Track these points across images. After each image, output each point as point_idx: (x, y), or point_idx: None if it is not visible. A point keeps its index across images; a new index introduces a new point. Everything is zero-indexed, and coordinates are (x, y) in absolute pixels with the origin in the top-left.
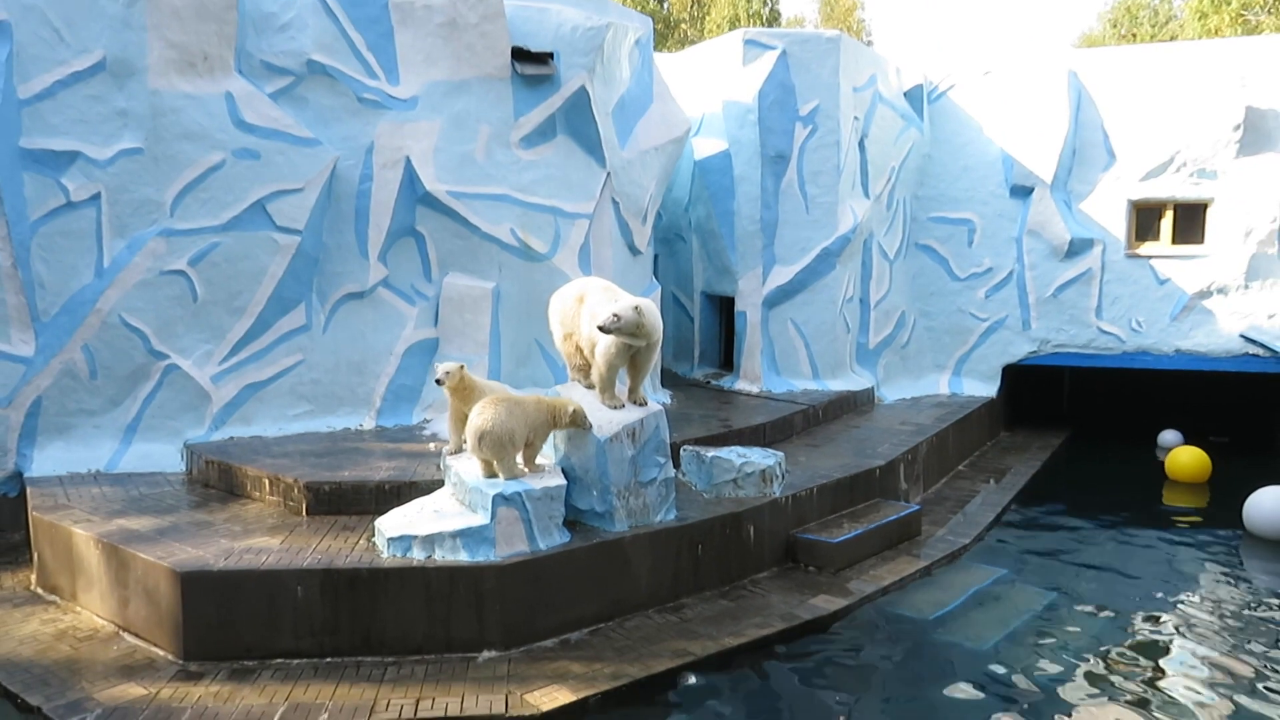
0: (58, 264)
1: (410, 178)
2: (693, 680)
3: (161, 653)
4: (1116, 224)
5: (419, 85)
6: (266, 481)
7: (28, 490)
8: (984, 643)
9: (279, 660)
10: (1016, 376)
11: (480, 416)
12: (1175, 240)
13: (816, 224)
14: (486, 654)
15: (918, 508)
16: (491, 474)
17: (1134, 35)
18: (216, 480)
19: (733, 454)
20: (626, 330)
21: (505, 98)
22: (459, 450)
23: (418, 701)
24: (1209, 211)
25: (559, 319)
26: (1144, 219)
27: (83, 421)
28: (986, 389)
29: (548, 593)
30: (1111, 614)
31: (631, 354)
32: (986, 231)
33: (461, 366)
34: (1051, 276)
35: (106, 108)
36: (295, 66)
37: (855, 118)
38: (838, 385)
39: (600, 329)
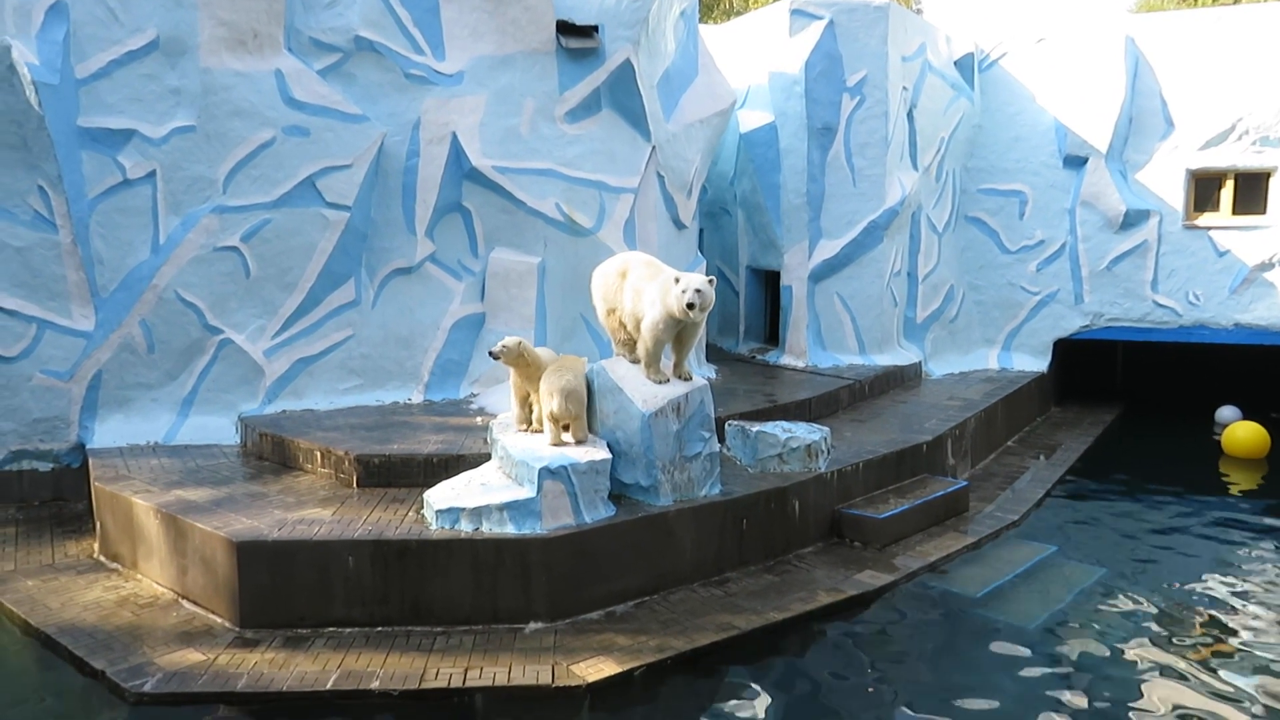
0: (115, 240)
1: (456, 153)
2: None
3: (219, 620)
4: (1174, 194)
5: (464, 60)
6: (318, 454)
7: (89, 461)
8: (1032, 621)
9: (331, 629)
10: (1068, 351)
11: (563, 377)
12: (1236, 211)
13: (863, 197)
14: (533, 625)
15: (965, 484)
16: (559, 442)
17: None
18: (270, 453)
19: (778, 429)
20: (709, 305)
21: (550, 72)
22: (526, 425)
23: (466, 671)
24: (1271, 181)
25: (601, 294)
26: (1203, 189)
27: (141, 395)
28: (1037, 364)
29: (593, 565)
30: (1164, 593)
31: (678, 329)
32: (1038, 203)
33: (520, 341)
34: (1106, 249)
35: (160, 86)
36: (343, 43)
37: (904, 88)
38: (884, 360)
39: (689, 307)
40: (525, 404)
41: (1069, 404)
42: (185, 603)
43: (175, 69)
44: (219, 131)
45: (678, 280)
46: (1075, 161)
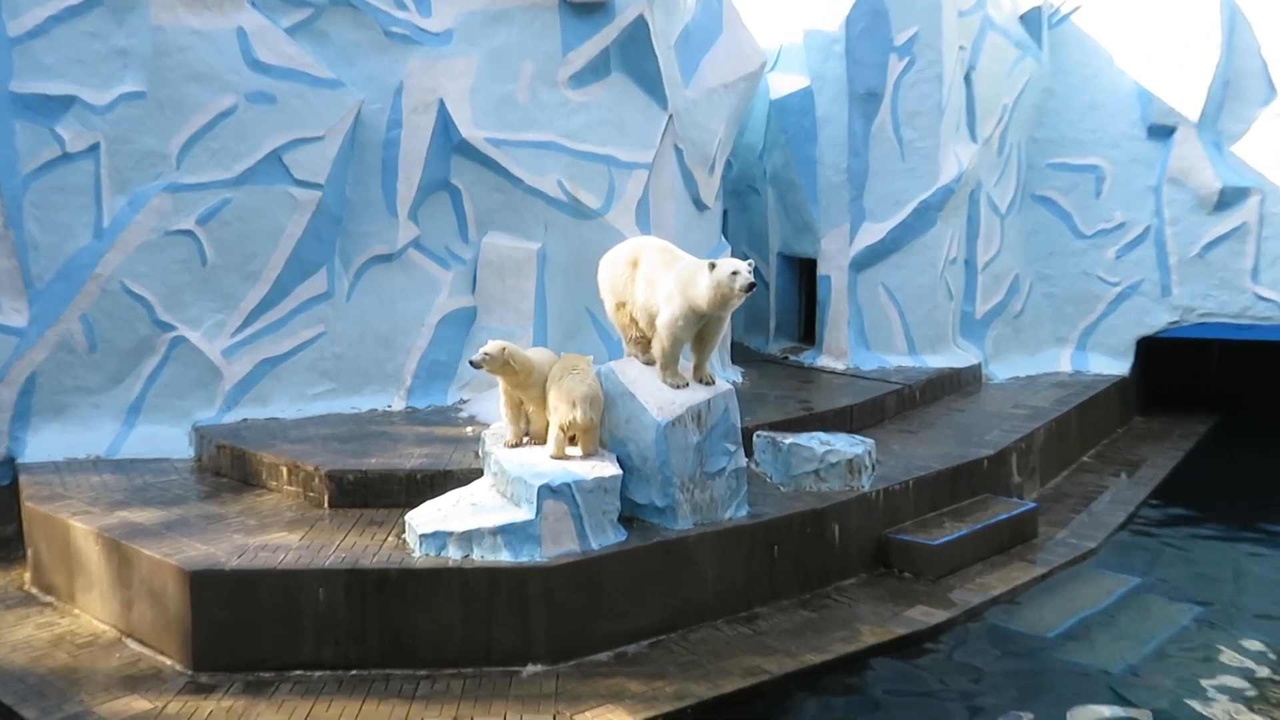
0: (53, 224)
1: (444, 123)
2: None
3: (169, 662)
4: (1278, 169)
5: (453, 17)
6: (284, 469)
7: (20, 478)
8: (1114, 665)
9: (299, 672)
10: (1153, 351)
11: (584, 383)
12: None
13: (914, 173)
14: (532, 668)
15: (1033, 505)
16: (562, 455)
17: None
18: (229, 468)
19: (814, 441)
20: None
21: (552, 29)
22: (519, 443)
23: None
24: None
25: (609, 286)
26: None
27: (81, 401)
28: (1117, 366)
29: (601, 599)
30: (1268, 633)
31: (700, 325)
32: (1118, 180)
33: (504, 347)
34: (1197, 232)
35: (105, 46)
36: None
37: (960, 47)
38: (938, 361)
39: (747, 289)
40: (520, 415)
41: (1155, 413)
42: (130, 642)
43: (122, 26)
44: (172, 98)
45: (713, 266)
46: (1161, 131)
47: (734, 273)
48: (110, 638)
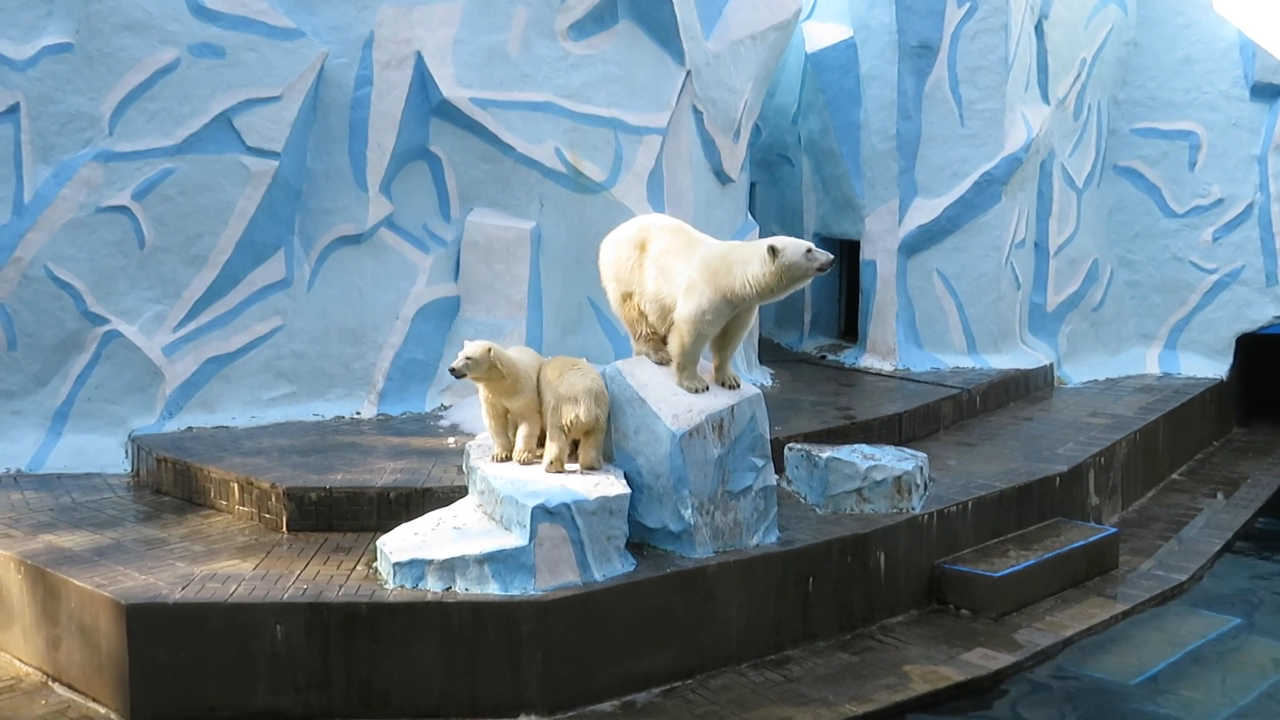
0: None
1: (422, 80)
2: None
3: (102, 709)
4: None
5: None
6: (236, 487)
7: None
8: (1210, 717)
9: None
10: (1257, 351)
11: (586, 376)
12: None
13: (975, 140)
14: (524, 719)
15: (1114, 531)
16: (562, 467)
17: None
18: (171, 484)
19: (856, 455)
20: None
21: None
22: (509, 456)
23: None
24: None
25: (613, 273)
26: None
27: None
28: (1214, 367)
29: (605, 639)
30: None
31: (729, 318)
32: (1216, 148)
33: (489, 348)
34: None
35: None
36: None
37: None
38: (1002, 362)
39: (821, 269)
40: (507, 424)
41: (1258, 423)
42: (57, 686)
43: None
44: (105, 52)
45: (774, 249)
46: (1267, 91)
47: (808, 251)
48: (34, 682)
